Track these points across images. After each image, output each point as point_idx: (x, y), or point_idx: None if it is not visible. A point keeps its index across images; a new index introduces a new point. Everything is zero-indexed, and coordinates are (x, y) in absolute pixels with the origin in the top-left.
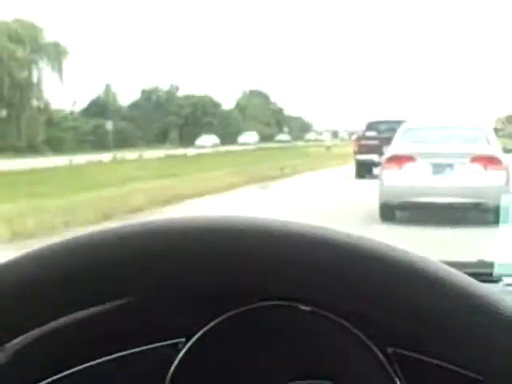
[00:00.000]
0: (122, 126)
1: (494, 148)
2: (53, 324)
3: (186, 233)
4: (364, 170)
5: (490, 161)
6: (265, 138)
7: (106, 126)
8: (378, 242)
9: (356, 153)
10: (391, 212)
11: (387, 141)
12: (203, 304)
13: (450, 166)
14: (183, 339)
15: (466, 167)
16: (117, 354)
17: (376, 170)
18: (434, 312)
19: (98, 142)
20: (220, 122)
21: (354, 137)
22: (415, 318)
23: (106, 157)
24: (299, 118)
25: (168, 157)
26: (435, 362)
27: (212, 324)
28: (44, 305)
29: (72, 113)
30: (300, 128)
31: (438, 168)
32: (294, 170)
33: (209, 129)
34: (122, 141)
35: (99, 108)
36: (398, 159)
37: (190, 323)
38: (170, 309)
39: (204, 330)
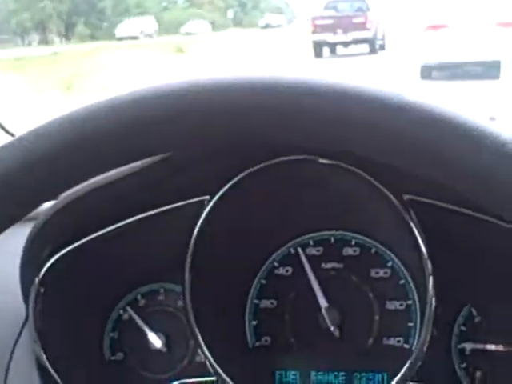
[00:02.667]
0: None
1: None
2: (89, 185)
3: (209, 89)
4: (320, 50)
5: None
6: (217, 27)
7: None
8: (390, 90)
9: (312, 33)
10: (429, 72)
11: (342, 19)
12: (226, 161)
13: (477, 30)
14: (208, 196)
15: (489, 30)
16: (148, 213)
17: (340, 50)
18: (447, 156)
19: None
20: (114, 7)
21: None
22: (427, 163)
23: None
24: None
25: None
26: (453, 207)
27: (235, 180)
28: (79, 165)
29: None
30: (276, 11)
31: (467, 32)
32: None
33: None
34: None
35: None
36: (433, 27)
37: (214, 181)
38: (195, 167)
39: (227, 186)
